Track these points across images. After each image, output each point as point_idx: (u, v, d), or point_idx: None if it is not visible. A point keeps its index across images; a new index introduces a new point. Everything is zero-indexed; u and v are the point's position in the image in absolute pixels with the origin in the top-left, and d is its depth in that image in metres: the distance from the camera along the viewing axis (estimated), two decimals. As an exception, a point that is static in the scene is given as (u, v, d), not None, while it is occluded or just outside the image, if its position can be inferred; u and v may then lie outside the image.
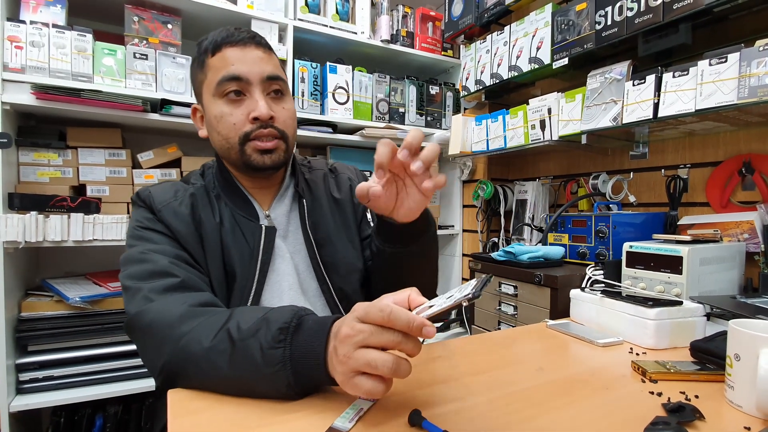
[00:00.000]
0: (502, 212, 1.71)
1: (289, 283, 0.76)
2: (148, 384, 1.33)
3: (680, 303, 0.82)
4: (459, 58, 1.94)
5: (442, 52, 1.89)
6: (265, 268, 0.74)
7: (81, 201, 1.22)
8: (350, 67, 1.67)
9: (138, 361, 1.35)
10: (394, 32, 1.78)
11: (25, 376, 1.24)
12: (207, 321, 0.58)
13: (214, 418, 0.50)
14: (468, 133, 1.63)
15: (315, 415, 0.50)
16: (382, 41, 1.72)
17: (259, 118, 0.71)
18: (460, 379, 0.62)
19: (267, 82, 0.73)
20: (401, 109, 1.80)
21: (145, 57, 1.31)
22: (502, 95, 1.70)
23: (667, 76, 1.06)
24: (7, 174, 1.19)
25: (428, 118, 1.87)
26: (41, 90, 1.15)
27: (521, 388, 0.60)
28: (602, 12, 1.17)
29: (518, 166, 1.83)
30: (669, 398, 0.56)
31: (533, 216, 1.55)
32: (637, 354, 0.75)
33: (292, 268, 0.78)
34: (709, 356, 0.67)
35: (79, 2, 1.33)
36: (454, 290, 0.55)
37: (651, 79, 1.08)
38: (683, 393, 0.58)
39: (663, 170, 1.25)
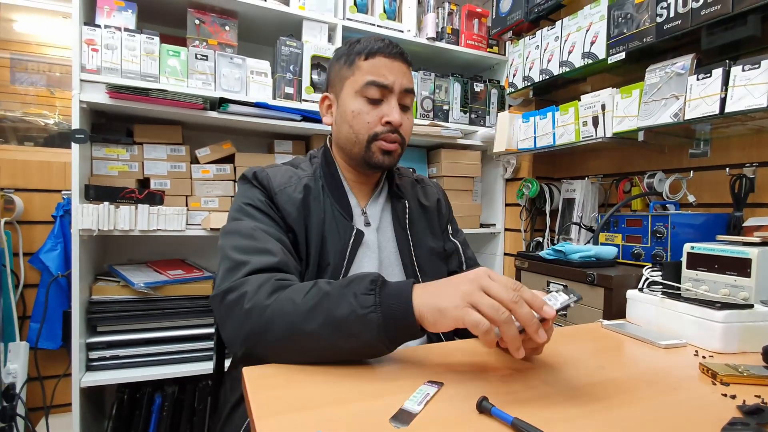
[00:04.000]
0: (547, 211, 1.68)
1: None
2: (203, 367, 1.41)
3: (751, 306, 0.78)
4: (505, 54, 1.92)
5: (488, 49, 1.88)
6: (350, 263, 0.80)
7: (147, 193, 1.31)
8: (397, 65, 1.68)
9: (194, 345, 1.43)
10: (440, 30, 1.78)
11: (94, 354, 1.34)
12: (294, 288, 0.63)
13: (291, 394, 0.53)
14: (514, 131, 1.61)
15: (383, 397, 0.52)
16: (428, 39, 1.73)
17: (392, 123, 0.80)
18: (520, 371, 0.62)
19: (403, 93, 0.82)
20: (445, 107, 1.80)
21: (205, 58, 1.38)
22: (550, 92, 1.66)
23: (735, 70, 1.01)
24: (82, 167, 1.29)
25: (472, 116, 1.86)
26: (115, 90, 1.24)
27: (584, 384, 0.59)
28: (664, 4, 1.13)
29: (565, 164, 1.79)
30: (744, 401, 0.54)
31: (582, 215, 1.51)
32: (704, 357, 0.72)
33: (376, 264, 0.84)
34: (785, 361, 0.64)
35: (146, 7, 1.42)
36: (547, 297, 0.59)
37: (718, 72, 1.03)
38: (759, 396, 0.56)
39: (728, 169, 1.19)
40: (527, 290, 0.53)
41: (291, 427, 0.46)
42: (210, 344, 1.45)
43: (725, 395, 0.57)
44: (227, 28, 1.47)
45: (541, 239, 1.72)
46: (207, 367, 1.41)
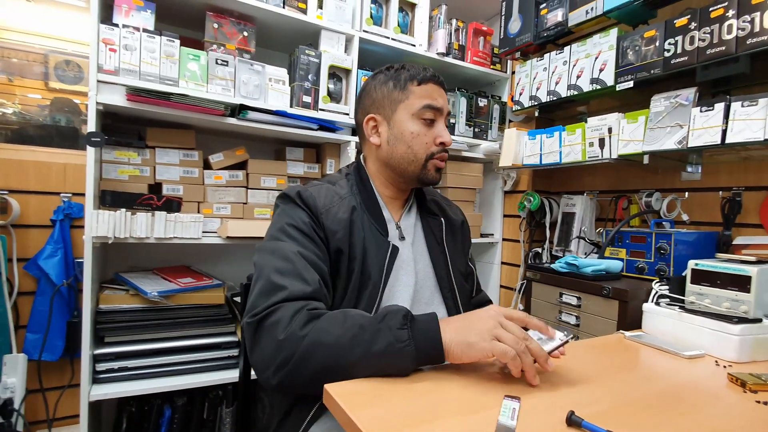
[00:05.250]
0: (547, 224, 1.77)
1: (411, 290, 0.86)
2: (214, 377, 1.38)
3: (760, 320, 0.88)
4: (506, 72, 2.01)
5: (491, 66, 1.95)
6: (387, 278, 0.83)
7: (165, 200, 1.27)
8: (408, 77, 1.72)
9: (205, 355, 1.40)
10: (447, 45, 1.83)
11: (101, 366, 1.28)
12: (327, 319, 0.67)
13: (391, 412, 0.55)
14: (520, 147, 1.69)
15: (475, 413, 0.56)
16: (438, 54, 1.78)
17: (445, 144, 0.89)
18: (581, 384, 0.67)
19: (447, 116, 0.92)
20: (452, 120, 1.86)
21: (225, 63, 1.36)
22: (552, 111, 1.76)
23: (735, 105, 1.12)
24: (94, 172, 1.23)
25: (476, 130, 1.93)
26: (135, 92, 1.20)
27: (642, 394, 0.66)
28: (672, 40, 1.23)
29: (562, 180, 1.90)
30: (778, 407, 0.62)
31: (583, 229, 1.61)
32: (724, 366, 0.81)
33: (412, 279, 0.87)
34: (798, 371, 0.74)
35: (164, 8, 1.38)
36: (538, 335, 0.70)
37: (720, 107, 1.14)
38: (786, 403, 0.64)
39: (721, 192, 1.32)
40: (533, 340, 0.64)
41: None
42: (221, 354, 1.42)
43: (758, 402, 0.64)
44: (245, 33, 1.45)
45: (539, 250, 1.80)
46: (218, 377, 1.38)
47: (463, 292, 0.95)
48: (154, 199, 1.26)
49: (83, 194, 1.27)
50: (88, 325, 1.21)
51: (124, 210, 1.21)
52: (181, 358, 1.37)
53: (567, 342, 0.68)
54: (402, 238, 0.90)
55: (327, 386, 0.62)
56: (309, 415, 0.76)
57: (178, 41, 1.30)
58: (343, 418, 0.56)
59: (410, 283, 0.86)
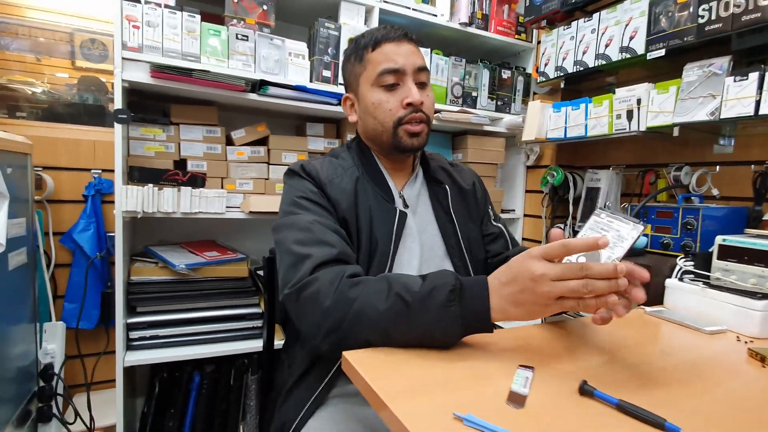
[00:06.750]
0: (570, 199, 1.74)
1: (418, 260, 0.85)
2: (240, 347, 1.44)
3: (786, 297, 0.86)
4: (531, 41, 1.94)
5: (516, 36, 1.89)
6: (397, 245, 0.82)
7: (190, 176, 1.31)
8: (428, 50, 1.69)
9: (230, 325, 1.46)
10: (470, 14, 1.78)
11: (134, 334, 1.35)
12: (369, 288, 0.65)
13: (408, 379, 0.56)
14: (544, 120, 1.65)
15: (487, 380, 0.56)
16: (460, 24, 1.73)
17: (413, 104, 0.81)
18: (594, 356, 0.67)
19: (417, 72, 0.83)
20: (474, 93, 1.82)
21: (245, 38, 1.36)
22: (579, 82, 1.69)
23: (773, 74, 1.06)
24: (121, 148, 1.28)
25: (498, 103, 1.88)
26: (158, 69, 1.22)
27: (658, 368, 0.65)
28: (706, 6, 1.16)
29: (586, 154, 1.85)
30: (796, 382, 0.61)
31: (608, 205, 1.57)
32: (745, 342, 0.80)
33: (418, 247, 0.86)
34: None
35: (182, -18, 1.38)
36: (588, 231, 0.64)
37: (754, 76, 1.08)
38: (802, 378, 0.63)
39: (753, 165, 1.26)
40: (592, 268, 0.55)
41: (427, 410, 0.49)
42: (245, 324, 1.48)
43: (776, 377, 0.64)
44: (265, 6, 1.44)
45: (562, 226, 1.78)
46: (243, 346, 1.44)
47: (476, 262, 0.91)
48: (180, 174, 1.29)
49: (112, 170, 1.31)
50: (121, 296, 1.28)
51: (151, 185, 1.25)
52: (208, 328, 1.44)
53: (639, 236, 0.57)
54: (405, 206, 0.88)
55: (345, 353, 0.63)
56: (327, 376, 0.77)
57: (198, 16, 1.30)
58: (362, 385, 0.59)
59: (416, 251, 0.85)
